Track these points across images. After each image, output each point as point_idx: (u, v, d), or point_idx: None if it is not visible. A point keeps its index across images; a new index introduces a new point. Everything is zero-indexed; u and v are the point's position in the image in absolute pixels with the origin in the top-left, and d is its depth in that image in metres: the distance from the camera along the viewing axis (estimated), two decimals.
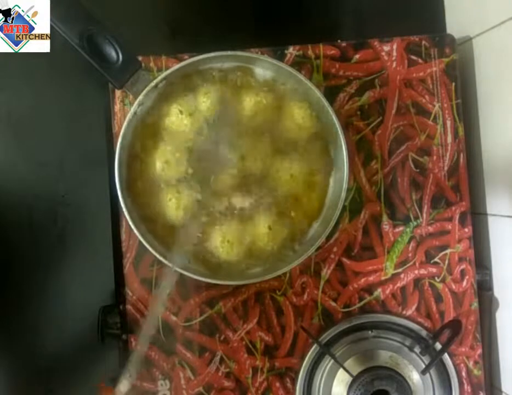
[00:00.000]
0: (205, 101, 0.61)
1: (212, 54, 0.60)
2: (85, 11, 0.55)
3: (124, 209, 0.58)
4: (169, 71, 0.59)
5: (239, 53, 0.61)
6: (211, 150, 0.62)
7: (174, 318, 0.66)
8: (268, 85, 0.63)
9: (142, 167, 0.62)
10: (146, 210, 0.61)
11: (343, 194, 0.60)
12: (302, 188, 0.63)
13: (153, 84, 0.58)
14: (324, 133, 0.63)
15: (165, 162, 0.61)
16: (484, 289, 0.69)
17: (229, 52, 0.60)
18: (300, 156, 0.63)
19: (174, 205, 0.61)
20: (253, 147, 0.62)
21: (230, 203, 0.62)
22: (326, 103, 0.60)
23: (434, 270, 0.68)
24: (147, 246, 0.58)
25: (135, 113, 0.59)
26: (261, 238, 0.61)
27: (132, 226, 0.58)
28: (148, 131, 0.62)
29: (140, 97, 0.58)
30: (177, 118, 0.61)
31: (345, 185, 0.60)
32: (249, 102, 0.61)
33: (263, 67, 0.62)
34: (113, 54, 0.56)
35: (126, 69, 0.57)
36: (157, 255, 0.59)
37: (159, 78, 0.58)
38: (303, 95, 0.62)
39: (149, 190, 0.62)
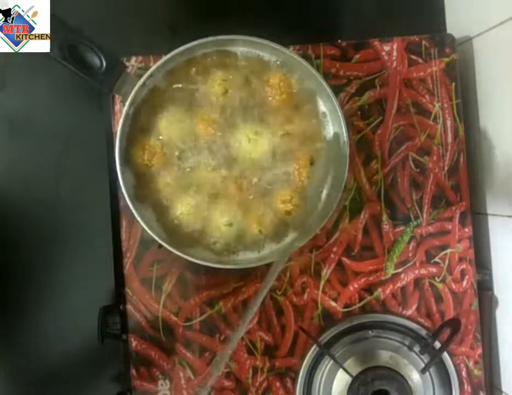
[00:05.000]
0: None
1: (194, 43, 0.59)
2: (60, 22, 0.55)
3: (135, 214, 0.59)
4: (153, 67, 0.59)
5: (220, 37, 0.60)
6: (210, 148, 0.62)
7: (174, 318, 0.66)
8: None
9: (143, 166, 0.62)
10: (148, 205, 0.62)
11: (341, 194, 0.61)
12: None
13: (140, 82, 0.58)
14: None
15: (163, 163, 0.61)
16: (484, 289, 0.69)
17: (210, 39, 0.60)
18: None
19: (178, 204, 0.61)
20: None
21: (229, 189, 0.62)
22: (334, 100, 0.60)
23: (434, 270, 0.68)
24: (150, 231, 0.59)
25: (127, 115, 0.59)
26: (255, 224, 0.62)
27: (141, 222, 0.59)
28: (146, 130, 0.62)
29: (130, 98, 0.58)
30: (175, 117, 0.61)
31: (344, 178, 0.60)
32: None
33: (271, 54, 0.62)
34: (96, 59, 0.56)
35: (112, 73, 0.57)
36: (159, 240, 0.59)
37: (145, 75, 0.59)
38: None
39: (150, 189, 0.62)
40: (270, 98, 0.62)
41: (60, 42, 0.54)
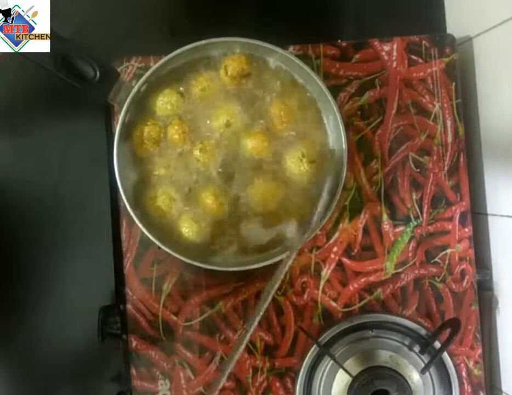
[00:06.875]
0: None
1: (187, 47, 0.59)
2: (52, 32, 0.54)
3: (133, 215, 0.59)
4: (148, 73, 0.59)
5: (213, 40, 0.60)
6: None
7: (174, 318, 0.66)
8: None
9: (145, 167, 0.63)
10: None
11: (339, 189, 0.61)
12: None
13: (135, 89, 0.58)
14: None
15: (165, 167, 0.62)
16: (484, 289, 0.69)
17: (208, 41, 0.60)
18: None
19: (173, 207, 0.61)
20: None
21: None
22: (331, 100, 0.60)
23: (434, 270, 0.68)
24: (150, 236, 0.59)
25: (123, 122, 0.59)
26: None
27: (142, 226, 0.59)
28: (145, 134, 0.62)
29: (125, 106, 0.58)
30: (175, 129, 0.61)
31: (343, 175, 0.60)
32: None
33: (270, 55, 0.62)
34: (90, 69, 0.56)
35: (106, 82, 0.57)
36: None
37: (140, 82, 0.59)
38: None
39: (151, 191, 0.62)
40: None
41: (53, 53, 0.54)
